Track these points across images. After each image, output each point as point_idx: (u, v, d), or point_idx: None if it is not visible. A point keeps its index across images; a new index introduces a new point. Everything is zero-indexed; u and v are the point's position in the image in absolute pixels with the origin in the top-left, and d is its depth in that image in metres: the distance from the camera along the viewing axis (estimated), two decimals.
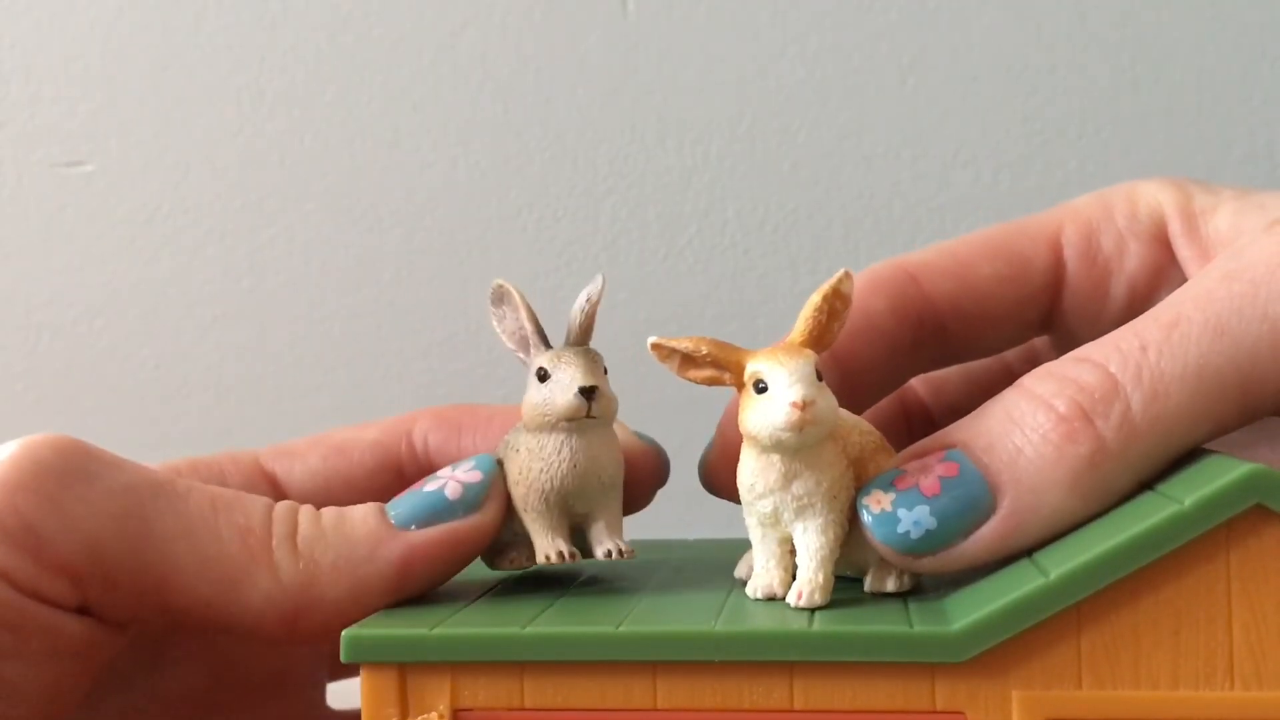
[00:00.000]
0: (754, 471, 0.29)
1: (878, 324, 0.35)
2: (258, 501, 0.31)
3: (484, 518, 0.31)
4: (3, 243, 0.66)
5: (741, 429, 0.29)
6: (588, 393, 0.31)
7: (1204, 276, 0.29)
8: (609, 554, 0.32)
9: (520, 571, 0.34)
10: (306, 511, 0.31)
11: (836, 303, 0.30)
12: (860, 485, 0.30)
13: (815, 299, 0.30)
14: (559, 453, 0.31)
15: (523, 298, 0.33)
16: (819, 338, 0.30)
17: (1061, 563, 0.26)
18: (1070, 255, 0.36)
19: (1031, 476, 0.28)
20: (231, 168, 0.65)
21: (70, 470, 0.30)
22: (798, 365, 0.28)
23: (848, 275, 0.30)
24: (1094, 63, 0.63)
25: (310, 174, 0.65)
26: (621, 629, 0.27)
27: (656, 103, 0.64)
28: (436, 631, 0.28)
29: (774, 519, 0.29)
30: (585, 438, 0.31)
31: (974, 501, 0.28)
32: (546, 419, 0.31)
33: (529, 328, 0.32)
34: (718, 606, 0.29)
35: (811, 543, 0.29)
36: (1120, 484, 0.28)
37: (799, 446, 0.29)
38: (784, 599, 0.29)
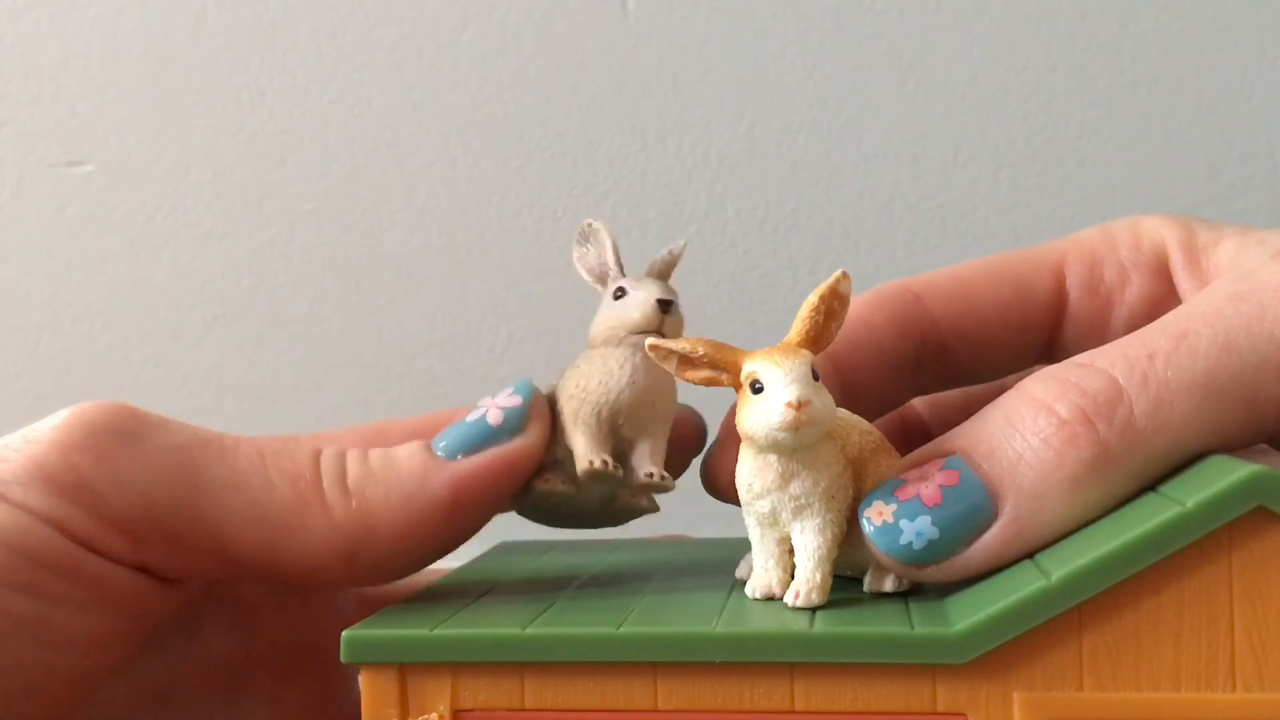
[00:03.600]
0: (752, 472, 0.29)
1: (880, 339, 0.35)
2: (305, 447, 0.32)
3: (528, 440, 0.32)
4: (3, 243, 0.66)
5: (739, 429, 0.29)
6: (664, 305, 0.31)
7: (1210, 294, 0.29)
8: (650, 476, 0.32)
9: (553, 494, 0.33)
10: (354, 454, 0.32)
11: (834, 303, 0.30)
12: (860, 485, 0.30)
13: (812, 299, 0.30)
14: (621, 367, 0.32)
15: (612, 235, 0.33)
16: (816, 338, 0.30)
17: (1063, 564, 0.26)
18: (1073, 284, 0.37)
19: (1032, 482, 0.28)
20: (231, 168, 0.65)
21: (122, 430, 0.31)
22: (793, 365, 0.28)
23: (845, 275, 0.30)
24: (1094, 63, 0.63)
25: (310, 174, 0.65)
26: (622, 630, 0.27)
27: (656, 103, 0.64)
28: (436, 632, 0.28)
29: (772, 519, 0.29)
30: (649, 360, 0.31)
31: (975, 510, 0.28)
32: (616, 331, 0.32)
33: (612, 259, 0.33)
34: (718, 607, 0.29)
35: (809, 542, 0.29)
36: (1122, 491, 0.28)
37: (796, 446, 0.29)
38: (783, 599, 0.29)
